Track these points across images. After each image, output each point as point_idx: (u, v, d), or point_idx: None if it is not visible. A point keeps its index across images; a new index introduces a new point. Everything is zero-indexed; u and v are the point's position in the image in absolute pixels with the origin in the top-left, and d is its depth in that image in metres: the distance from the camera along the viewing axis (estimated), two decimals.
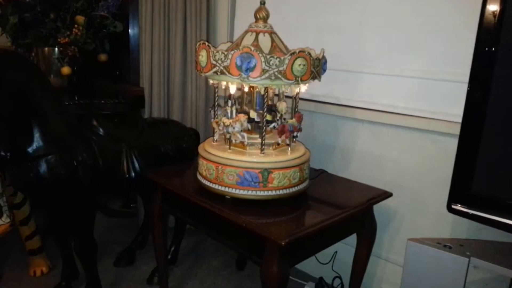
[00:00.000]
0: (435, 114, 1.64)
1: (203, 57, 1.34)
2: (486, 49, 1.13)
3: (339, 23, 1.86)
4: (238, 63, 1.25)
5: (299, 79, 1.30)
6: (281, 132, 1.40)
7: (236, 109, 1.44)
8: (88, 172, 1.59)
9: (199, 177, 1.51)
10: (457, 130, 1.54)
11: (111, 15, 2.35)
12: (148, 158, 1.77)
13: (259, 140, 1.41)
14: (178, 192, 1.51)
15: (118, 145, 1.72)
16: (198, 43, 1.38)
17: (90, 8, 2.31)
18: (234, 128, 1.37)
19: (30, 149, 1.47)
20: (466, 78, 1.50)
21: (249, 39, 1.39)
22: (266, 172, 1.36)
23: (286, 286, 1.27)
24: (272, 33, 1.42)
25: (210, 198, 1.41)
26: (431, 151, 1.68)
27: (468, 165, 1.23)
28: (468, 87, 1.17)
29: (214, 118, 1.50)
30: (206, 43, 1.32)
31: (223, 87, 1.41)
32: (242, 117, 1.37)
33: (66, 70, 2.28)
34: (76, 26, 2.18)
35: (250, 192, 1.38)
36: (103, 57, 2.50)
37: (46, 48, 2.29)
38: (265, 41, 1.39)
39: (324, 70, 1.44)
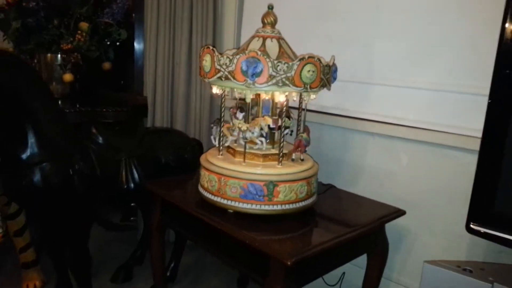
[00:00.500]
0: (449, 128, 1.55)
1: (207, 61, 1.27)
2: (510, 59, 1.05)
3: (349, 33, 1.79)
4: (244, 68, 1.18)
5: (308, 86, 1.23)
6: (296, 147, 1.34)
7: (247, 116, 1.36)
8: (85, 182, 1.52)
9: (201, 189, 1.42)
10: (472, 144, 1.47)
11: (116, 23, 2.31)
12: (148, 168, 1.70)
13: (265, 150, 1.33)
14: (178, 204, 1.43)
15: (117, 154, 1.65)
16: (202, 48, 1.31)
17: (95, 15, 2.27)
18: (253, 133, 1.29)
19: (24, 156, 1.40)
20: (482, 90, 1.44)
21: (255, 45, 1.32)
22: (272, 185, 1.28)
23: None
24: (280, 38, 1.36)
25: (211, 212, 1.33)
26: (445, 167, 1.58)
27: (489, 182, 1.15)
28: (489, 100, 1.09)
29: (213, 134, 1.46)
30: (211, 47, 1.26)
31: (229, 97, 1.34)
32: (262, 120, 1.30)
33: (68, 77, 2.24)
34: (79, 32, 2.13)
35: (254, 206, 1.29)
36: (107, 65, 2.45)
37: (49, 55, 2.25)
38: (272, 47, 1.32)
39: (335, 79, 1.37)
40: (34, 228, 1.98)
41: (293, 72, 1.19)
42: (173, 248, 2.03)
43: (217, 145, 1.43)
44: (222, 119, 1.40)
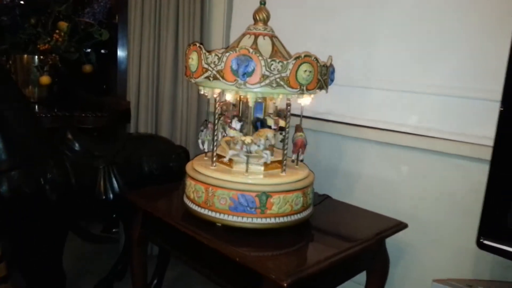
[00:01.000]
0: (455, 135, 1.46)
1: (193, 60, 1.15)
2: None
3: (346, 33, 1.69)
4: (234, 66, 1.07)
5: (304, 88, 1.12)
6: (298, 146, 1.25)
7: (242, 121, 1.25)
8: (58, 191, 1.39)
9: (186, 201, 1.30)
10: (480, 153, 1.38)
11: (97, 23, 2.19)
12: (129, 177, 1.58)
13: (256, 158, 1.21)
14: (161, 217, 1.31)
15: (95, 161, 1.52)
16: (188, 45, 1.19)
17: (75, 14, 2.14)
18: (259, 146, 1.18)
19: None
20: (491, 95, 1.35)
21: (247, 42, 1.22)
22: (264, 196, 1.16)
23: None
24: (273, 36, 1.25)
25: (197, 225, 1.21)
26: (449, 177, 1.49)
27: (502, 195, 1.06)
28: (501, 108, 1.00)
29: (201, 137, 1.32)
30: (198, 44, 1.15)
31: (217, 99, 1.22)
32: (269, 131, 1.19)
33: (45, 79, 2.10)
34: (57, 31, 2.00)
35: (245, 219, 1.18)
36: (87, 68, 2.32)
37: (25, 56, 2.11)
38: (265, 45, 1.21)
39: (332, 80, 1.27)
40: (3, 242, 1.82)
41: (288, 72, 1.09)
42: (157, 262, 1.90)
43: (206, 150, 1.31)
44: (214, 121, 1.29)
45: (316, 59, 1.12)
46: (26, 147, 1.34)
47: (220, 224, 1.21)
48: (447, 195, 1.49)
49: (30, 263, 1.58)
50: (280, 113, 1.29)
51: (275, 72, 1.07)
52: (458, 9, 1.42)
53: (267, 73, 1.07)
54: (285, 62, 1.08)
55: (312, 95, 1.22)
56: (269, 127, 1.24)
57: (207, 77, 1.12)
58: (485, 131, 1.36)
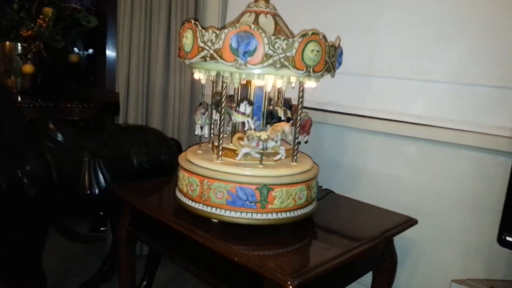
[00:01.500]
0: (465, 125, 1.36)
1: (188, 39, 1.04)
2: None
3: (348, 17, 1.59)
4: (234, 44, 0.96)
5: (311, 69, 1.02)
6: (306, 126, 1.17)
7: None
8: (37, 185, 1.27)
9: (179, 195, 1.19)
10: (494, 144, 1.29)
11: (85, 10, 2.06)
12: (117, 170, 1.46)
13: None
14: (149, 213, 1.20)
15: (79, 153, 1.40)
16: (182, 23, 1.08)
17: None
18: (276, 141, 1.08)
19: None
20: (506, 82, 1.27)
21: (247, 21, 1.10)
22: (266, 188, 1.06)
23: None
24: (275, 15, 1.15)
25: (191, 222, 1.10)
26: (459, 169, 1.39)
27: None
28: None
29: (200, 122, 1.20)
30: (193, 21, 1.03)
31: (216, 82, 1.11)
32: (286, 125, 1.08)
33: (28, 68, 1.97)
34: (41, 17, 1.87)
35: (244, 215, 1.07)
36: (74, 57, 2.20)
37: (7, 43, 1.98)
38: (267, 24, 1.10)
39: (339, 64, 1.17)
40: None
41: (294, 51, 0.98)
42: (146, 262, 1.78)
43: (206, 136, 1.21)
44: (211, 106, 1.18)
45: (324, 37, 1.02)
46: (1, 137, 1.22)
47: (216, 220, 1.10)
48: (458, 189, 1.39)
49: (6, 262, 1.45)
50: (286, 103, 1.18)
51: (279, 51, 0.97)
52: None
53: (270, 52, 0.97)
54: (290, 40, 0.97)
55: (317, 80, 1.11)
56: (279, 118, 1.13)
57: (203, 57, 1.01)
58: (499, 120, 1.27)
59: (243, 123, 1.16)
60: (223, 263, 1.03)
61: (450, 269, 1.42)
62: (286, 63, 0.98)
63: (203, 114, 1.20)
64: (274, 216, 1.08)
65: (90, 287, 1.81)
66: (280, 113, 1.14)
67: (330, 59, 1.08)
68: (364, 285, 1.40)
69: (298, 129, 1.12)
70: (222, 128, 1.10)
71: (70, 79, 2.35)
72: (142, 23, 1.92)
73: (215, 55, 0.99)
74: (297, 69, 1.00)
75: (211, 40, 0.99)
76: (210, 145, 1.24)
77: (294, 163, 1.16)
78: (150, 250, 1.77)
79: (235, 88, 1.22)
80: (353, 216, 1.32)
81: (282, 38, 0.96)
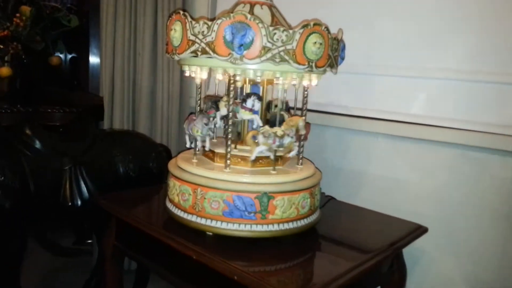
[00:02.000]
0: (470, 124, 1.28)
1: (176, 32, 0.94)
2: None
3: (346, 14, 1.50)
4: (228, 37, 0.86)
5: (313, 64, 0.92)
6: (307, 132, 1.07)
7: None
8: (12, 198, 1.16)
9: (169, 205, 1.09)
10: (502, 144, 1.21)
11: (65, 8, 1.95)
12: (101, 179, 1.37)
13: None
14: (137, 226, 1.08)
15: (59, 161, 1.28)
16: (169, 15, 0.98)
17: None
18: (292, 137, 0.98)
19: None
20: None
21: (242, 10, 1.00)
22: (266, 197, 0.95)
23: None
24: (272, 6, 1.05)
25: (183, 235, 1.00)
26: (468, 172, 1.31)
27: None
28: None
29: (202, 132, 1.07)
30: (181, 12, 0.93)
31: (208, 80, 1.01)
32: (300, 119, 0.99)
33: (5, 71, 1.86)
34: (18, 15, 1.75)
35: (242, 227, 0.97)
36: (55, 60, 2.09)
37: None
38: (263, 15, 1.00)
39: (342, 59, 1.08)
40: None
41: (294, 44, 0.88)
42: (135, 278, 1.67)
43: (207, 149, 1.08)
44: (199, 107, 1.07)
45: (327, 29, 0.92)
46: None
47: (211, 233, 1.00)
48: (462, 193, 1.31)
49: None
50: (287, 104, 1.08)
51: (279, 43, 0.87)
52: None
53: (269, 44, 0.87)
54: (290, 31, 0.87)
55: (319, 77, 1.02)
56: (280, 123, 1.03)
57: (194, 52, 0.91)
58: (506, 119, 1.20)
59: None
60: (219, 281, 0.92)
61: (460, 279, 1.33)
62: (286, 57, 0.88)
63: (206, 124, 1.04)
64: (276, 227, 0.98)
65: None
66: (286, 118, 1.03)
67: (333, 53, 0.98)
68: None
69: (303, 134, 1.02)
70: (230, 128, 0.99)
71: (51, 83, 2.23)
72: (127, 20, 1.82)
73: (207, 49, 0.89)
74: (298, 63, 0.90)
75: (203, 32, 0.89)
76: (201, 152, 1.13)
77: (298, 167, 1.06)
78: (139, 265, 1.65)
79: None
80: (358, 225, 1.23)
81: (281, 29, 0.87)
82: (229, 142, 0.98)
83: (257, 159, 1.03)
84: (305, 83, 1.01)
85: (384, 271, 1.16)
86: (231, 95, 0.97)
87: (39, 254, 1.53)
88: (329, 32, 0.93)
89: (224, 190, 0.96)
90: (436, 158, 1.37)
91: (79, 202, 1.31)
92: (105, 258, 1.25)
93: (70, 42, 2.14)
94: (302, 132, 1.00)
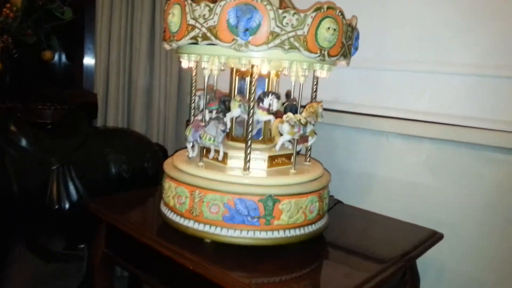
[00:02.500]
0: (489, 123, 1.21)
1: (174, 16, 0.85)
2: None
3: (354, 4, 1.41)
4: (232, 20, 0.77)
5: (326, 52, 0.83)
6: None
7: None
8: None
9: (164, 209, 1.00)
10: None
11: (59, 0, 1.87)
12: (91, 180, 1.30)
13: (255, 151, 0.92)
14: (129, 232, 0.99)
15: (46, 160, 1.19)
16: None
17: None
18: (314, 124, 0.94)
19: None
20: None
21: None
22: (271, 200, 0.86)
23: None
24: None
25: (179, 243, 0.91)
26: (486, 175, 1.23)
27: None
28: None
29: (213, 141, 0.93)
30: None
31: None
32: (319, 105, 0.96)
33: None
34: (8, 6, 1.67)
35: (244, 234, 0.88)
36: (48, 54, 2.02)
37: None
38: None
39: (356, 49, 0.99)
40: None
41: (306, 29, 0.79)
42: (128, 284, 1.58)
43: (220, 158, 0.97)
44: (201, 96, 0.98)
45: (342, 13, 0.83)
46: None
47: (209, 240, 0.91)
48: (483, 197, 1.23)
49: None
50: (289, 95, 0.99)
51: (289, 28, 0.78)
52: None
53: (277, 29, 0.78)
54: (302, 15, 0.78)
55: (330, 69, 0.92)
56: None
57: (194, 37, 0.82)
58: None
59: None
60: None
61: None
62: (297, 44, 0.79)
63: (223, 131, 0.90)
64: (281, 234, 0.89)
65: None
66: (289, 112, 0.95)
67: (347, 41, 0.89)
68: None
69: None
70: (251, 127, 0.89)
71: (44, 78, 2.14)
72: (123, 12, 1.76)
73: (209, 35, 0.80)
74: (310, 51, 0.81)
75: (204, 15, 0.80)
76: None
77: (302, 168, 0.97)
78: (131, 274, 1.56)
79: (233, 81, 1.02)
80: (369, 231, 1.15)
81: (291, 12, 0.78)
82: (249, 143, 0.89)
83: (273, 158, 0.94)
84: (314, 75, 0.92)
85: (396, 282, 1.07)
86: (252, 92, 0.87)
87: (27, 260, 1.43)
88: (343, 18, 0.84)
89: (225, 192, 0.87)
90: (452, 159, 1.28)
91: (67, 205, 1.23)
92: (93, 268, 1.16)
93: (64, 36, 2.06)
94: (320, 119, 0.95)
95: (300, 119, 0.90)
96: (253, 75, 0.86)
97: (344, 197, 1.38)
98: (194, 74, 0.98)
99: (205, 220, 0.89)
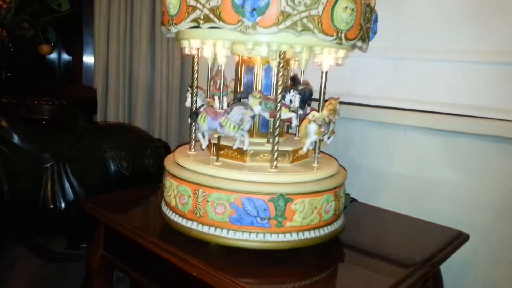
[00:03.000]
0: None
1: None
2: None
3: None
4: (238, 0, 0.69)
5: (343, 35, 0.74)
6: None
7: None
8: None
9: (165, 209, 0.92)
10: None
11: None
12: (89, 178, 1.24)
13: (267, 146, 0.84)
14: (128, 234, 0.92)
15: (41, 158, 1.12)
16: None
17: None
18: (334, 122, 0.89)
19: None
20: None
21: None
22: (283, 199, 0.79)
23: None
24: None
25: (181, 246, 0.83)
26: (511, 169, 1.13)
27: None
28: None
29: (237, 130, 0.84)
30: None
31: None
32: (336, 101, 0.90)
33: None
34: None
35: (253, 236, 0.81)
36: (45, 48, 1.96)
37: None
38: None
39: (374, 34, 0.91)
40: None
41: (320, 9, 0.71)
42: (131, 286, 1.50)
43: (245, 146, 0.87)
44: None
45: None
46: None
47: (215, 244, 0.83)
48: (504, 194, 1.15)
49: None
50: (296, 79, 0.91)
51: (301, 7, 0.70)
52: None
53: (288, 9, 0.70)
54: None
55: (346, 54, 0.84)
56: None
57: (195, 20, 0.74)
58: None
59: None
60: None
61: None
62: (310, 25, 0.71)
63: (252, 117, 0.82)
64: (294, 237, 0.81)
65: None
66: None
67: (365, 23, 0.81)
68: None
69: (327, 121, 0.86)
70: (278, 122, 0.81)
71: (42, 73, 2.08)
72: (123, 3, 1.69)
73: (212, 16, 0.72)
74: (325, 34, 0.73)
75: None
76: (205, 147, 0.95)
77: (315, 165, 0.89)
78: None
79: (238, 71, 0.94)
80: (388, 232, 1.07)
81: None
82: (276, 139, 0.82)
83: (257, 153, 0.87)
84: (328, 62, 0.84)
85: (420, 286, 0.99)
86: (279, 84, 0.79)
87: (26, 261, 1.38)
88: None
89: (231, 191, 0.79)
90: (474, 153, 1.20)
91: (63, 205, 1.17)
92: (90, 273, 1.09)
93: (61, 30, 1.99)
94: (338, 116, 0.89)
95: (324, 118, 0.83)
96: (280, 65, 0.78)
97: (358, 195, 1.30)
98: (196, 63, 0.90)
99: (210, 222, 0.81)
